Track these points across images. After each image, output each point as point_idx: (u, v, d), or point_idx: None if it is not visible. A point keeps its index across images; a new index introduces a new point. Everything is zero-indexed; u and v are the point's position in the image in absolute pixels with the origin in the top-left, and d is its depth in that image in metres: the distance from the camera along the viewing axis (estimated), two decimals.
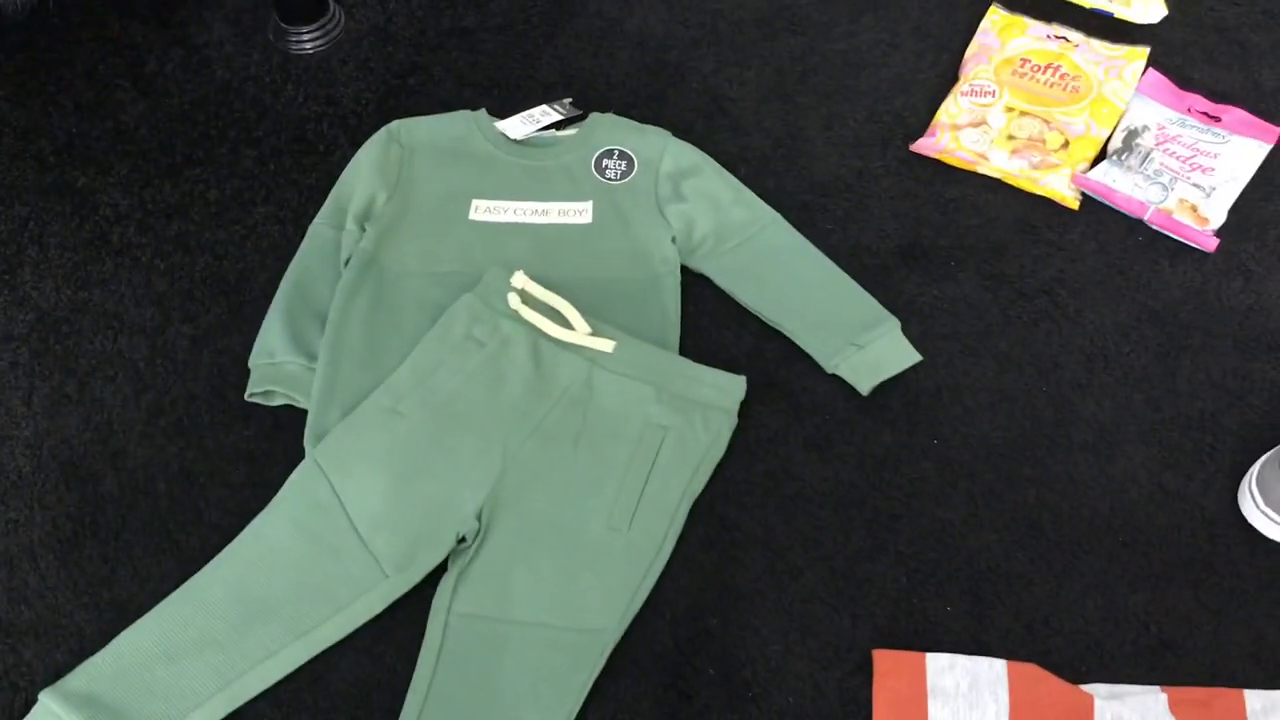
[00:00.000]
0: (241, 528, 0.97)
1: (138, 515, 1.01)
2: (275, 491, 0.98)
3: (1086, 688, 0.90)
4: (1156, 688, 0.89)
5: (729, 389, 1.02)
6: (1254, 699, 0.88)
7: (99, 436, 1.06)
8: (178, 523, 1.01)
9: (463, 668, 0.91)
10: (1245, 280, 1.12)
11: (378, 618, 0.94)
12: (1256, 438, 1.02)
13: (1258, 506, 0.96)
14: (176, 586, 0.94)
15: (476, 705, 0.89)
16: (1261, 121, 1.21)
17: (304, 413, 1.04)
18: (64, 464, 1.04)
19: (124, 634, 0.92)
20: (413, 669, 0.92)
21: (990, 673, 0.90)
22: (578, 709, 0.89)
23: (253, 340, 1.08)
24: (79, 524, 1.01)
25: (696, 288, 1.13)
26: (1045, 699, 0.88)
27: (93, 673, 0.90)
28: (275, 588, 0.94)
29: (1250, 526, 0.98)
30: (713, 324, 1.11)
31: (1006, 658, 0.91)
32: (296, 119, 1.27)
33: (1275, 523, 0.95)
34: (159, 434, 1.06)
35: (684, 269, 1.13)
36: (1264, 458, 0.98)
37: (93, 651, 0.92)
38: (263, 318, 1.09)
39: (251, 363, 1.06)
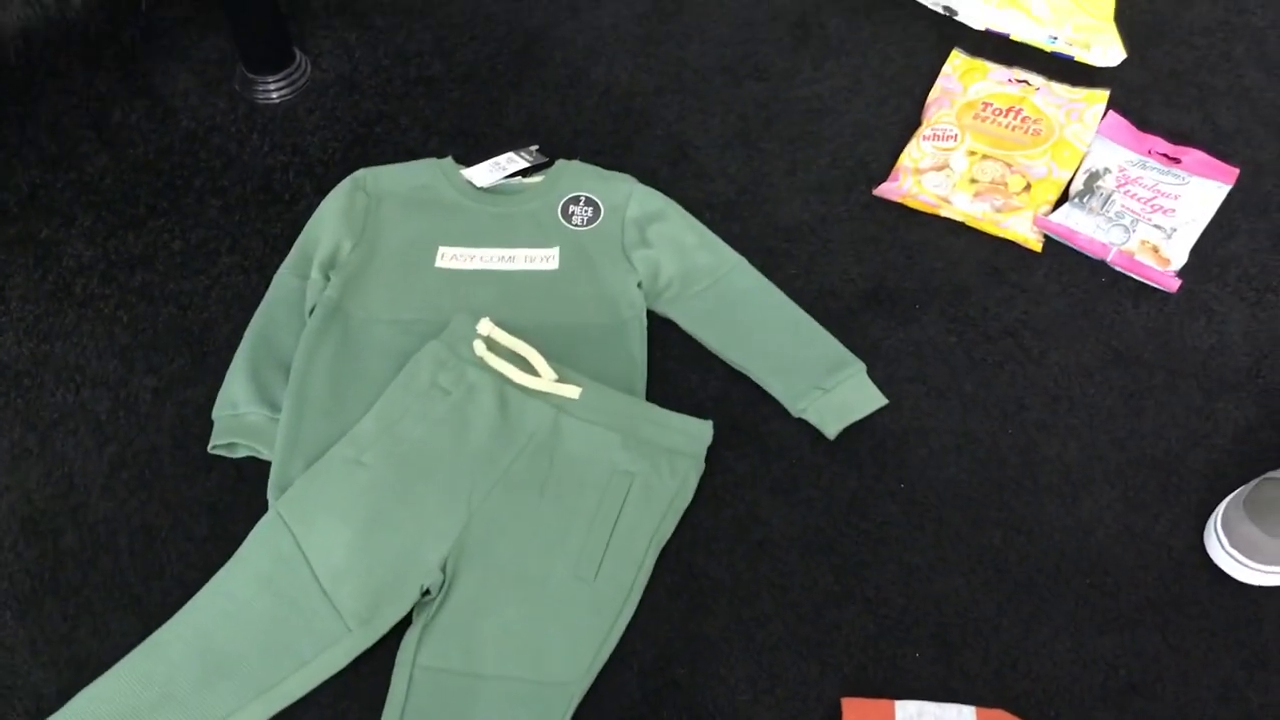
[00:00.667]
0: (204, 582, 0.95)
1: (99, 570, 1.00)
2: (238, 544, 0.97)
3: None
4: None
5: (696, 434, 1.02)
6: None
7: (59, 491, 1.04)
8: (139, 577, 0.99)
9: None
10: (1207, 320, 1.13)
11: (341, 673, 0.93)
12: (1221, 477, 1.03)
13: (1223, 547, 0.96)
14: (138, 643, 0.93)
15: None
16: (1220, 163, 1.22)
17: (268, 464, 1.03)
18: (23, 519, 1.03)
19: (83, 692, 0.90)
20: None
21: None
22: None
23: (216, 391, 1.07)
24: (38, 580, 0.99)
25: (663, 332, 1.13)
26: None
27: None
28: (238, 643, 0.93)
29: (1216, 567, 0.98)
30: (679, 368, 1.11)
31: (975, 704, 0.91)
32: (262, 168, 1.27)
33: (1240, 564, 0.95)
34: (121, 487, 1.04)
35: (650, 313, 1.13)
36: (1228, 499, 0.98)
37: (51, 711, 0.90)
38: (227, 368, 1.08)
39: (215, 414, 1.05)
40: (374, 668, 0.93)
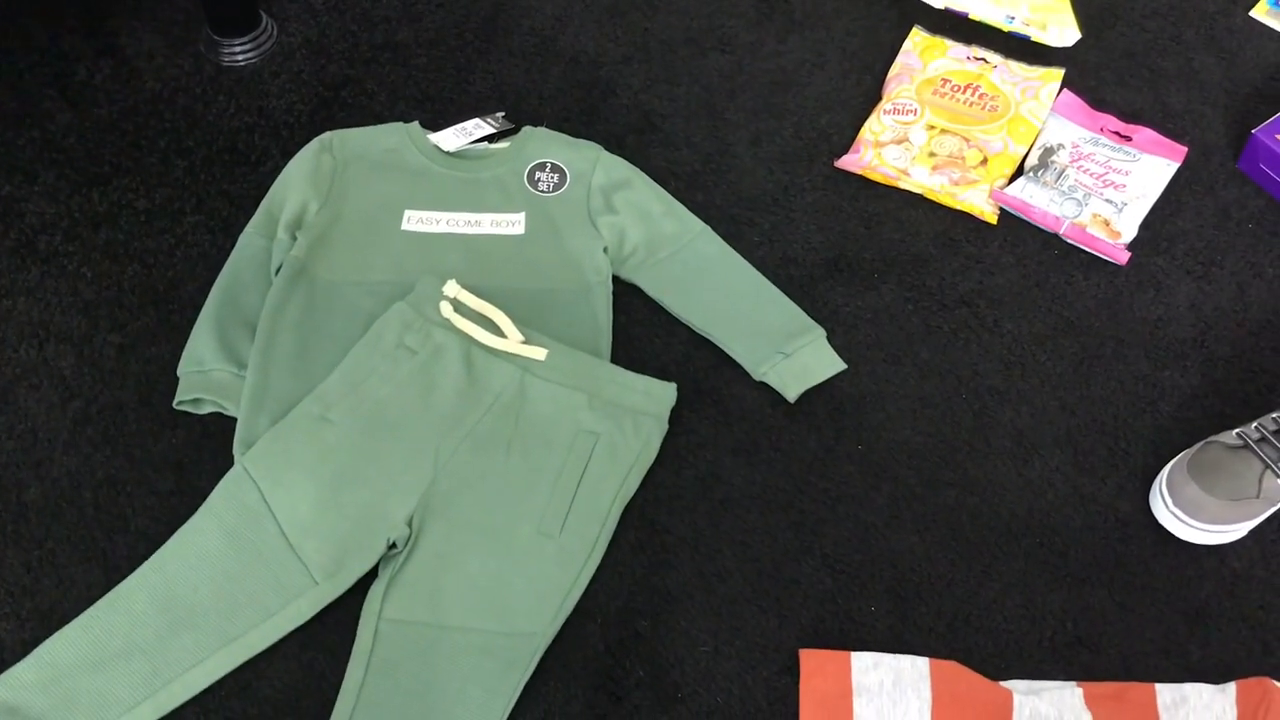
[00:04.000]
0: (169, 536, 0.96)
1: (62, 524, 1.00)
2: (203, 499, 0.97)
3: (1005, 684, 0.92)
4: (1072, 683, 0.92)
5: (659, 396, 1.04)
6: (1164, 693, 0.91)
7: (22, 445, 1.04)
8: (103, 531, 1.00)
9: (393, 673, 0.91)
10: (1155, 292, 1.16)
11: (307, 624, 0.94)
12: (1166, 441, 1.06)
13: (1167, 507, 0.99)
14: (102, 595, 0.93)
15: (407, 710, 0.90)
16: (1169, 141, 1.26)
17: (233, 421, 1.04)
18: None
19: (47, 643, 0.91)
20: (342, 675, 0.92)
21: (913, 670, 0.92)
22: (509, 712, 0.90)
23: (181, 349, 1.07)
24: (0, 533, 0.99)
25: (628, 297, 1.14)
26: (966, 695, 0.90)
27: (14, 683, 0.89)
28: (202, 595, 0.93)
29: (1161, 527, 1.01)
30: (644, 332, 1.13)
31: (929, 656, 0.94)
32: (228, 130, 1.27)
33: (1184, 523, 0.99)
34: (85, 442, 1.04)
35: (615, 279, 1.15)
36: (1173, 461, 1.02)
37: (14, 662, 0.91)
38: (192, 326, 1.08)
39: (180, 370, 1.06)
40: (339, 619, 0.94)
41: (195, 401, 1.06)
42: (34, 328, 1.11)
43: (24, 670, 0.90)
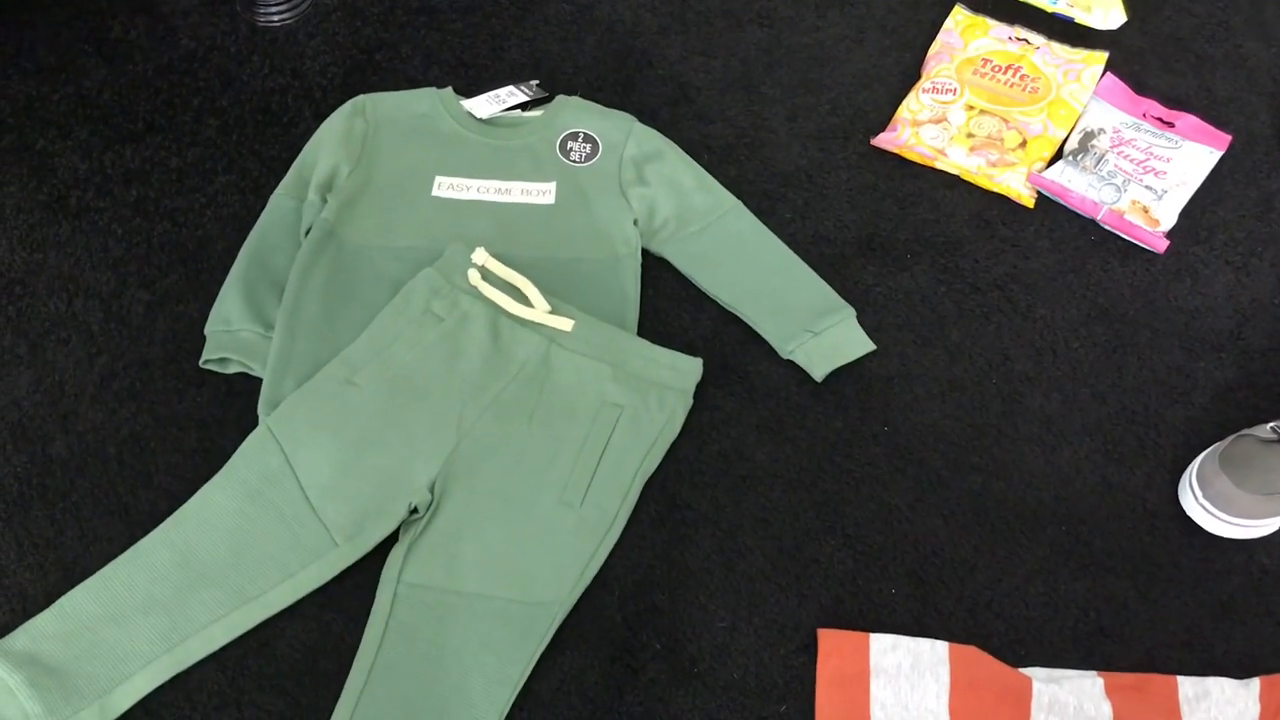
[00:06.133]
0: (192, 493, 0.96)
1: (86, 478, 1.00)
2: (227, 458, 0.98)
3: (1025, 671, 0.91)
4: (1093, 672, 0.91)
5: (685, 370, 1.03)
6: (1186, 685, 0.90)
7: (49, 399, 1.05)
8: (127, 486, 1.00)
9: (410, 637, 0.91)
10: (1193, 282, 1.14)
11: (326, 585, 0.94)
12: (1198, 433, 1.05)
13: (1197, 500, 0.98)
14: (124, 550, 0.94)
15: (423, 674, 0.90)
16: (1213, 129, 1.24)
17: (258, 381, 1.04)
18: (12, 425, 1.03)
19: (68, 595, 0.91)
20: (360, 637, 0.92)
21: (932, 654, 0.91)
22: (524, 680, 0.90)
23: (209, 308, 1.07)
24: (26, 485, 1.00)
25: (656, 271, 1.14)
26: (985, 680, 0.90)
27: (35, 633, 0.90)
28: (223, 553, 0.94)
29: (1189, 519, 1.00)
30: (671, 307, 1.12)
31: (948, 640, 0.93)
32: (261, 90, 1.27)
33: (1213, 515, 0.97)
34: (111, 398, 1.05)
35: (645, 252, 1.14)
36: (1204, 453, 1.00)
37: (36, 612, 0.91)
38: (220, 285, 1.08)
39: (207, 329, 1.06)
40: (359, 582, 0.95)
41: (221, 361, 1.06)
42: (63, 282, 1.12)
43: (45, 621, 0.90)
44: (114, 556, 0.94)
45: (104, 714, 0.88)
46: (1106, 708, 0.89)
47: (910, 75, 1.30)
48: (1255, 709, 0.89)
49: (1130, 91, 1.27)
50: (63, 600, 0.91)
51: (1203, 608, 0.96)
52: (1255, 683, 0.90)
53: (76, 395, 1.05)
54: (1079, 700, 0.89)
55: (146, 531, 0.95)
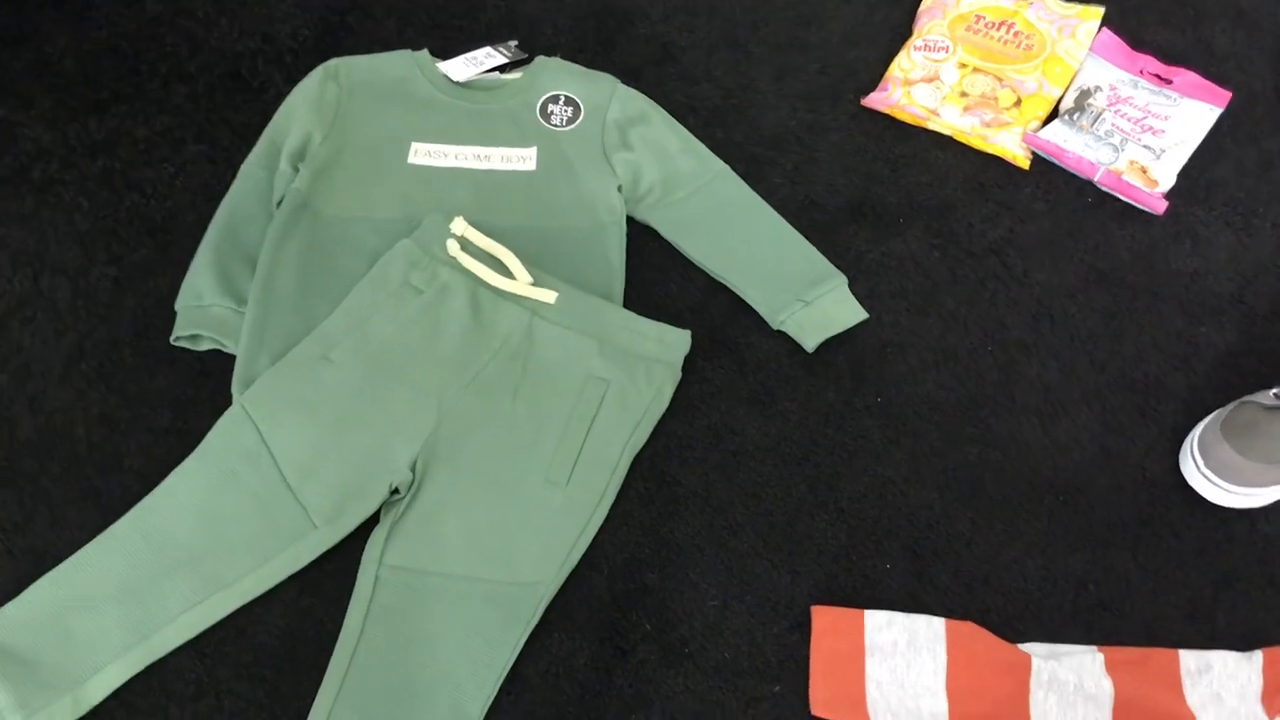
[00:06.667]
0: (165, 475, 0.93)
1: (56, 461, 0.97)
2: (200, 439, 0.95)
3: (1024, 647, 0.89)
4: (1093, 648, 0.89)
5: (673, 343, 1.00)
6: (1188, 659, 0.88)
7: (16, 379, 1.01)
8: (98, 469, 0.97)
9: (393, 621, 0.89)
10: (1192, 243, 1.11)
11: (305, 570, 0.91)
12: (1199, 401, 1.02)
13: (1198, 468, 0.96)
14: (95, 535, 0.91)
15: (407, 659, 0.87)
16: (1212, 85, 1.20)
17: (232, 358, 1.01)
18: None
19: (39, 583, 0.89)
20: (341, 622, 0.90)
21: (929, 631, 0.89)
22: (511, 663, 0.88)
23: (180, 282, 1.04)
24: None
25: (642, 239, 1.10)
26: (983, 657, 0.88)
27: (4, 622, 0.87)
28: (198, 537, 0.91)
29: (1190, 489, 0.98)
30: (658, 276, 1.09)
31: (945, 616, 0.91)
32: (230, 55, 1.23)
33: (1214, 485, 0.95)
34: (79, 377, 1.01)
35: (630, 219, 1.11)
36: (1206, 420, 0.98)
37: (5, 601, 0.89)
38: (191, 259, 1.05)
39: (178, 305, 1.02)
40: (339, 565, 0.92)
41: (193, 338, 1.03)
42: (28, 258, 1.08)
43: (15, 610, 0.87)
44: (85, 542, 0.91)
45: (77, 705, 0.86)
46: (1107, 684, 0.87)
47: (901, 32, 1.26)
48: (1258, 682, 0.87)
49: (1127, 47, 1.24)
50: (33, 588, 0.88)
51: (1204, 579, 0.94)
52: (1258, 655, 0.88)
53: (44, 375, 1.01)
54: (1079, 676, 0.87)
55: (118, 516, 0.92)
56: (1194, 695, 0.87)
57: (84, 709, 0.86)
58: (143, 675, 0.87)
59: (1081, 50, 1.22)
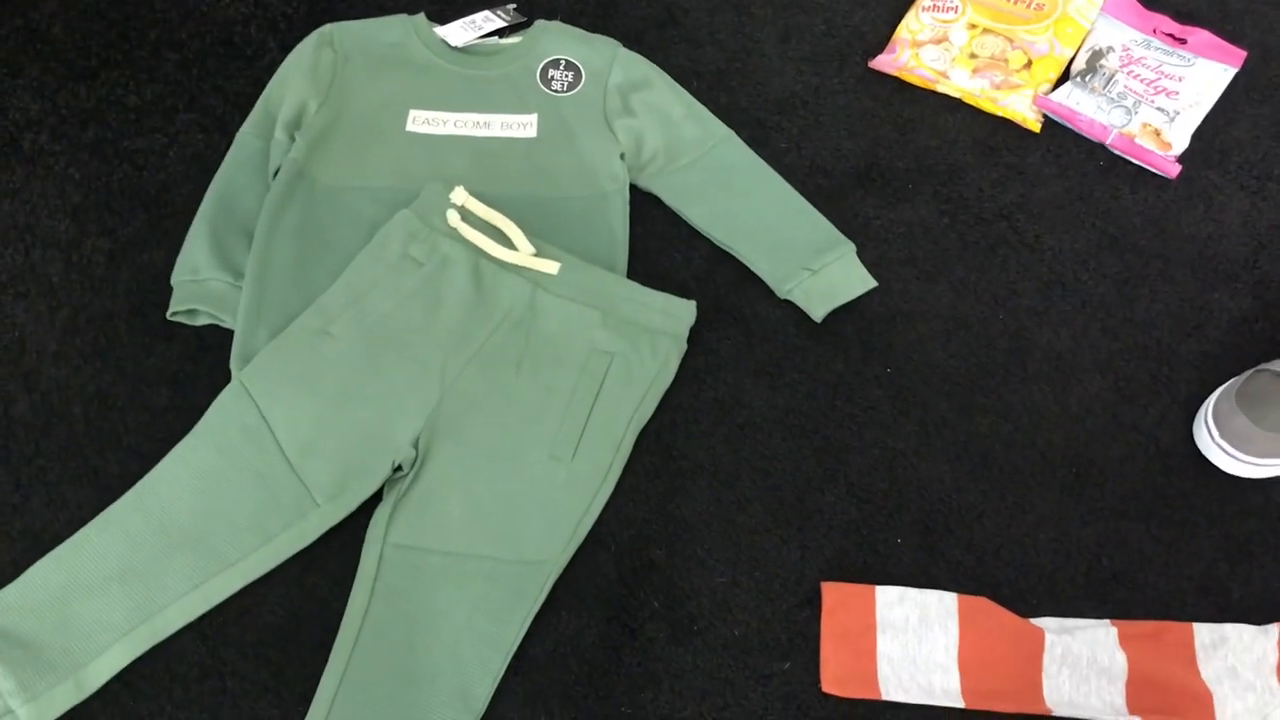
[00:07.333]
0: (164, 454, 0.92)
1: (52, 440, 0.96)
2: (199, 416, 0.93)
3: (1037, 621, 0.88)
4: (1106, 621, 0.88)
5: (678, 314, 0.99)
6: (1203, 632, 0.88)
7: (10, 356, 0.99)
8: (95, 448, 0.95)
9: (398, 600, 0.87)
10: (1206, 208, 1.09)
11: (309, 548, 0.90)
12: (1213, 369, 1.01)
13: (1213, 439, 0.94)
14: (94, 515, 0.89)
15: (412, 639, 0.86)
16: (1227, 44, 1.18)
17: (230, 333, 0.99)
18: None
19: (37, 565, 0.87)
20: (345, 601, 0.89)
21: (940, 606, 0.88)
22: (518, 642, 0.87)
23: (175, 255, 1.02)
24: None
25: (645, 207, 1.08)
26: (996, 632, 0.87)
27: (3, 605, 0.86)
28: (199, 517, 0.89)
29: (1204, 459, 0.96)
30: (662, 246, 1.07)
31: (957, 591, 0.90)
32: (223, 20, 1.20)
33: (1230, 455, 0.93)
34: (74, 354, 1.00)
35: (633, 188, 1.08)
36: (1220, 389, 0.96)
37: (4, 582, 0.88)
38: (186, 232, 1.03)
39: (174, 279, 1.00)
40: (343, 543, 0.91)
41: (190, 312, 1.01)
42: (19, 232, 1.06)
43: (13, 593, 0.86)
44: (83, 523, 0.89)
45: (80, 688, 0.85)
46: (1121, 657, 0.86)
47: None
48: (1274, 655, 0.86)
49: (1140, 6, 1.21)
50: (31, 570, 0.87)
51: (1219, 551, 0.92)
52: (1274, 628, 0.87)
53: (38, 352, 1.00)
54: (1093, 650, 0.86)
55: (117, 495, 0.91)
56: (1209, 669, 0.86)
57: (87, 692, 0.85)
58: (146, 657, 0.86)
59: (1093, 10, 1.19)
